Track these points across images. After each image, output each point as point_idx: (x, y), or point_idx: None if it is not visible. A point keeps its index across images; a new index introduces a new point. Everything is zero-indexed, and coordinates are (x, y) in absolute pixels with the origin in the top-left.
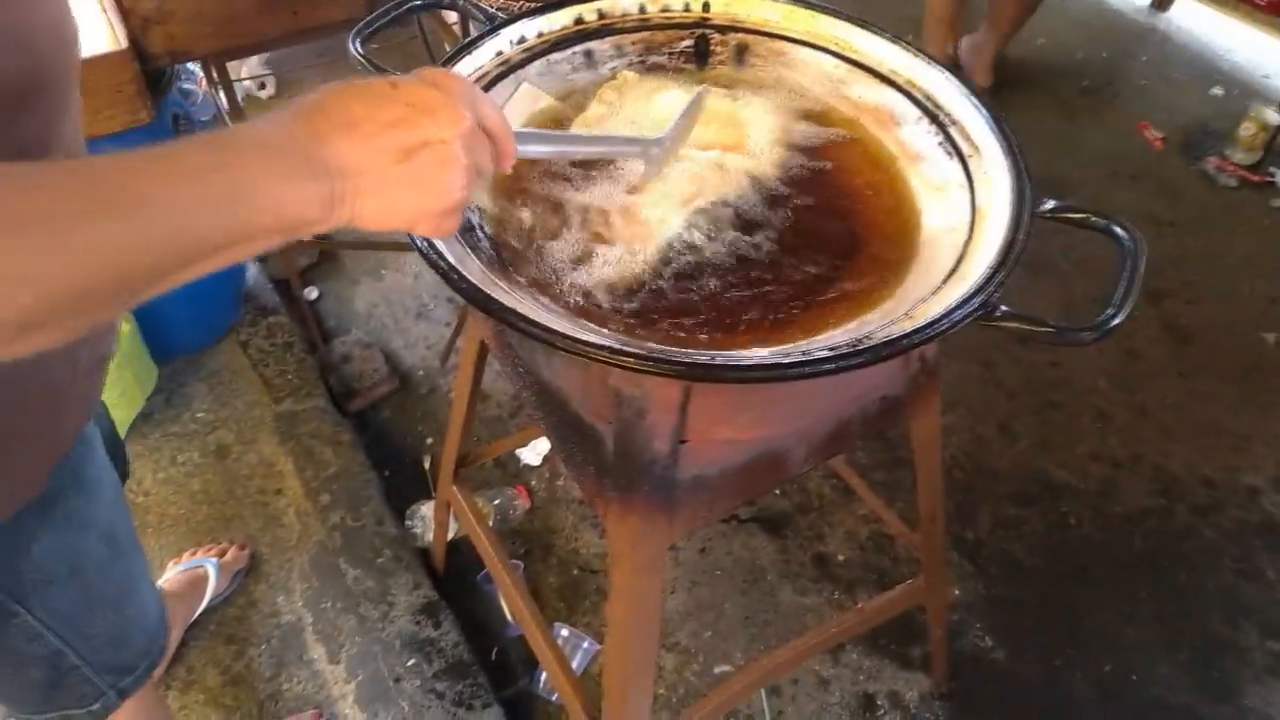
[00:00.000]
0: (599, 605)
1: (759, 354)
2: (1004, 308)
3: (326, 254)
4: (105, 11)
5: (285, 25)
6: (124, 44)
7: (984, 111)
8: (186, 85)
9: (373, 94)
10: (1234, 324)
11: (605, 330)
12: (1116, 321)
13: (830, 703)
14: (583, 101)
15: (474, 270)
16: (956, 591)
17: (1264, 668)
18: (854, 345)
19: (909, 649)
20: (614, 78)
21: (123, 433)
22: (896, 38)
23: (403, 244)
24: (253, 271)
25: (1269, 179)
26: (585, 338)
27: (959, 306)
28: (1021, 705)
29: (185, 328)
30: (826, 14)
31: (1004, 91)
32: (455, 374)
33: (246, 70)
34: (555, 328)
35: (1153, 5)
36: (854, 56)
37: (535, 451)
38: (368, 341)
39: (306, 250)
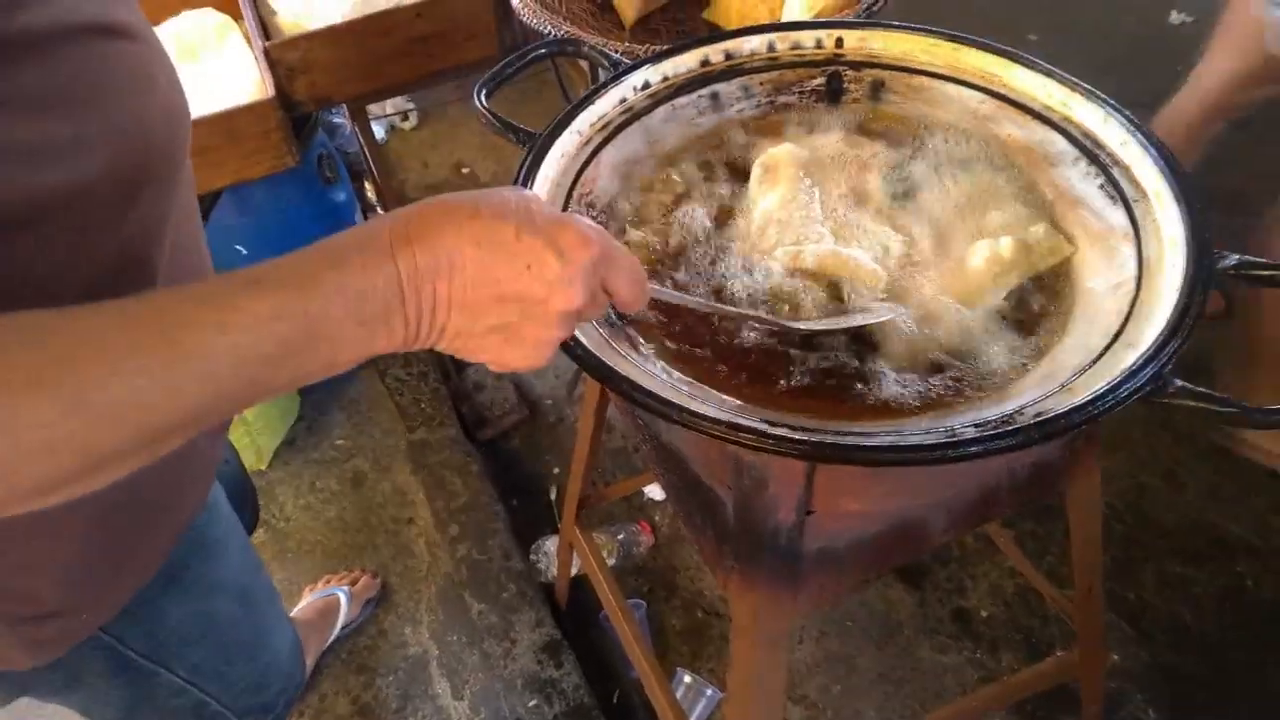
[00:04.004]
0: (724, 650)
1: (896, 430)
2: (1178, 382)
3: None
4: (257, 60)
5: (421, 69)
6: (270, 93)
7: (1154, 150)
8: (336, 119)
9: (487, 240)
10: None
11: (725, 396)
12: None
13: None
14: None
15: (591, 335)
16: (1115, 657)
17: None
18: (1004, 423)
19: (1060, 716)
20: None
21: (266, 461)
22: (1051, 70)
23: None
24: None
25: None
26: (702, 410)
27: (1125, 380)
28: None
29: None
30: (971, 46)
31: None
32: (582, 404)
33: (391, 105)
34: (671, 399)
35: None
36: (1002, 91)
37: (659, 487)
38: (499, 373)
39: None
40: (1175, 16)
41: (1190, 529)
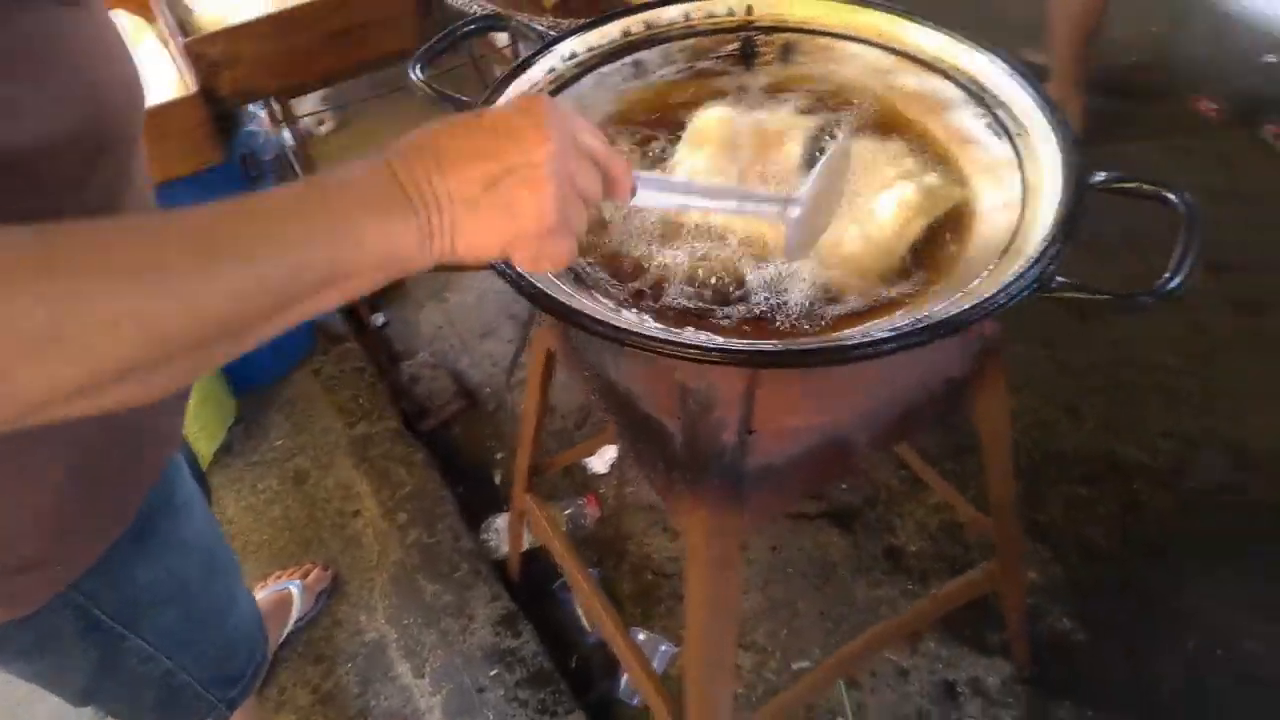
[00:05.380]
0: (674, 609)
1: (822, 340)
2: (1060, 279)
3: (389, 284)
4: (175, 59)
5: (345, 59)
6: (193, 89)
7: (1030, 89)
8: (251, 127)
9: (459, 127)
10: None
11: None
12: (1174, 284)
13: (910, 692)
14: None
15: (544, 280)
16: (1033, 575)
17: None
18: (914, 324)
19: (988, 635)
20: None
21: (204, 466)
22: (939, 25)
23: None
24: None
25: None
26: (652, 333)
27: (1016, 280)
28: (1105, 686)
29: (261, 360)
30: (870, 8)
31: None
32: (521, 390)
33: (306, 108)
34: (624, 325)
35: None
36: (898, 47)
37: (603, 460)
38: (435, 363)
39: None
40: None
41: (1091, 456)
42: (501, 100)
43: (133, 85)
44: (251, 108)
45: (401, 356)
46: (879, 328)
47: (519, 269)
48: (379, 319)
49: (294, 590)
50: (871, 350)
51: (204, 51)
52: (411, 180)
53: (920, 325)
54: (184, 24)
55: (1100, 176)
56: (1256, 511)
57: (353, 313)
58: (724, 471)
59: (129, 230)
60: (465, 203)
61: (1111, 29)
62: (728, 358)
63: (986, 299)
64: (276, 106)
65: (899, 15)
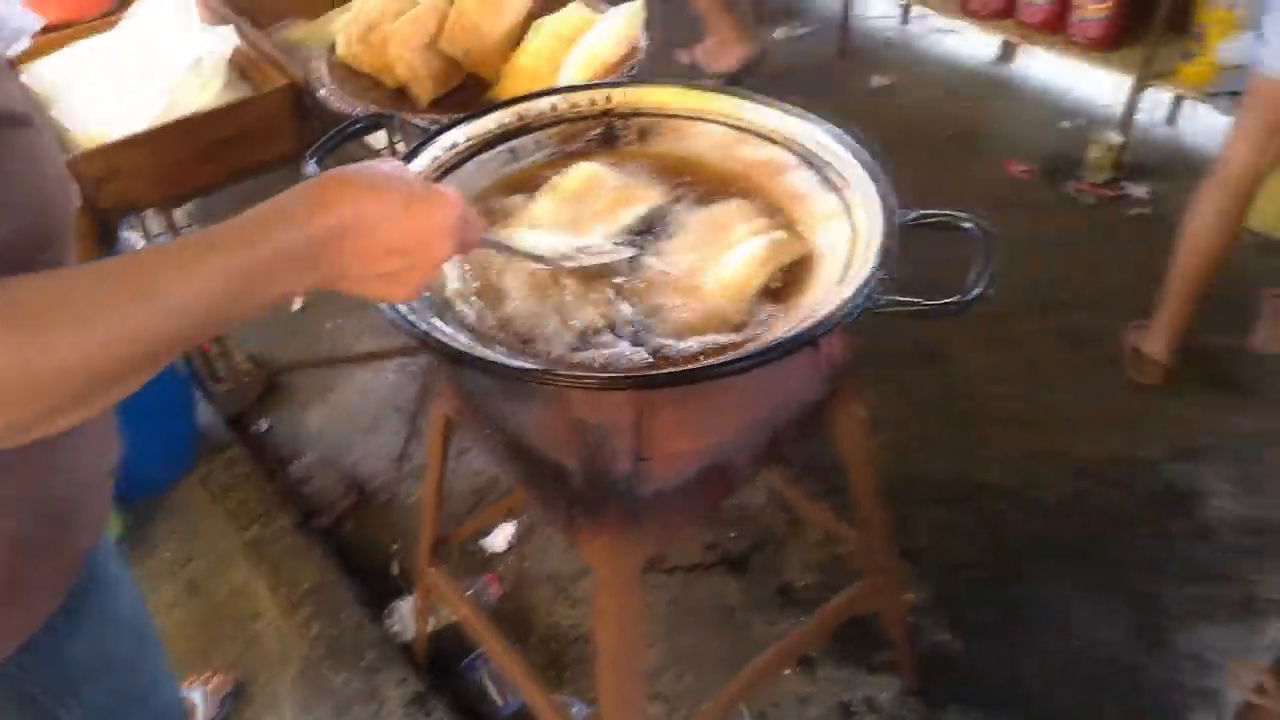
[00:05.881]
0: (583, 671)
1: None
2: (886, 298)
3: (274, 385)
4: None
5: (226, 168)
6: (77, 202)
7: (849, 149)
8: (131, 234)
9: (386, 214)
10: (1114, 318)
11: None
12: (975, 294)
13: (811, 716)
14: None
15: (443, 331)
16: (911, 596)
17: (1187, 614)
18: (765, 347)
19: (877, 656)
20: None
21: None
22: (772, 102)
23: (349, 358)
24: (206, 412)
25: (1121, 192)
26: (553, 369)
27: (849, 302)
28: (986, 689)
29: (143, 473)
30: (713, 91)
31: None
32: (412, 480)
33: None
34: (528, 365)
35: (999, 57)
36: (739, 122)
37: (501, 538)
38: (324, 461)
39: (254, 385)
40: (877, 82)
41: (947, 481)
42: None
43: (67, 190)
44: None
45: (289, 458)
46: (743, 352)
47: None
48: (263, 424)
49: (196, 699)
50: (740, 365)
51: (86, 169)
52: (329, 258)
53: (776, 343)
54: (62, 141)
55: (911, 215)
56: (1098, 517)
57: (236, 420)
58: (622, 499)
59: (75, 279)
60: (362, 280)
61: (928, 111)
62: (620, 383)
63: (824, 318)
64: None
65: (737, 96)
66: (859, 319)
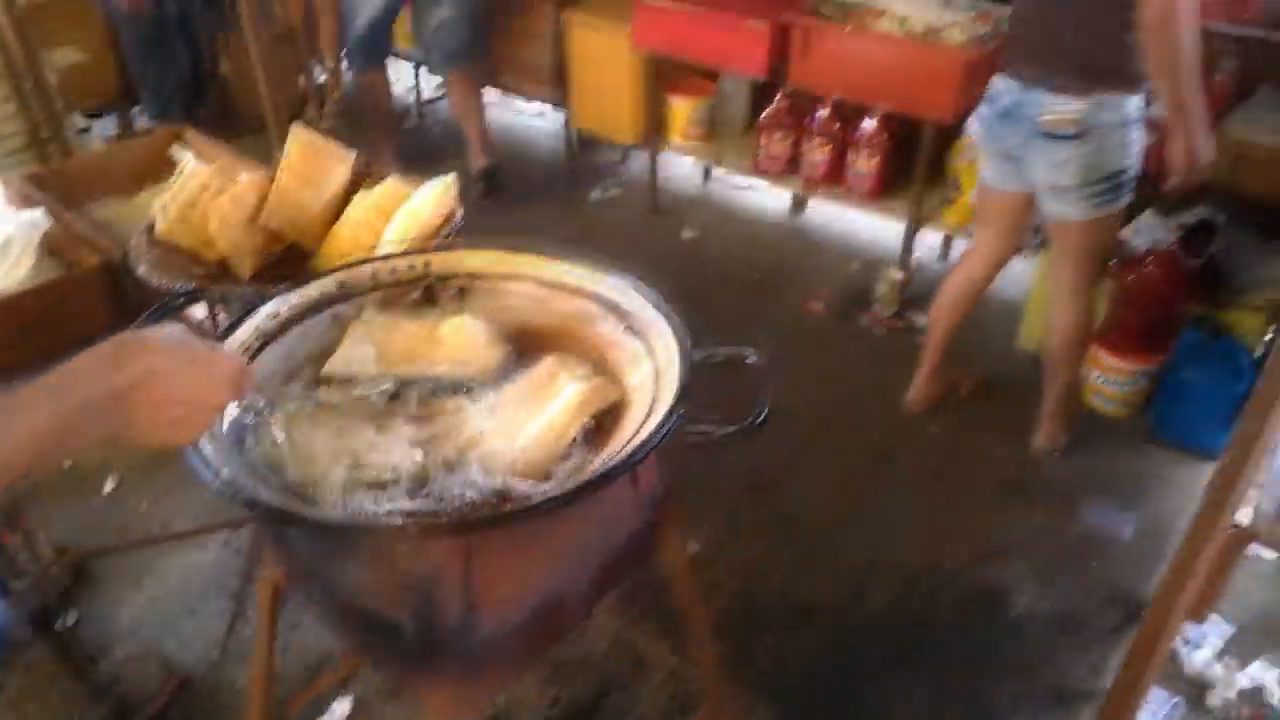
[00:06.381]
0: None
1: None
2: (690, 429)
3: (83, 573)
4: None
5: (36, 348)
6: None
7: (650, 301)
8: None
9: (176, 367)
10: (915, 434)
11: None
12: (761, 418)
13: None
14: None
15: (269, 496)
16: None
17: (1007, 709)
18: (578, 485)
19: None
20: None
21: None
22: (578, 260)
23: (166, 537)
24: (2, 612)
25: (907, 322)
26: (379, 522)
27: (652, 436)
28: None
29: None
30: (525, 253)
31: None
32: (240, 662)
33: None
34: (355, 522)
35: (792, 208)
36: (550, 281)
37: (338, 713)
38: (140, 652)
39: (60, 576)
40: (687, 235)
41: (785, 604)
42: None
43: None
44: None
45: (100, 654)
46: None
47: None
48: (70, 617)
49: None
50: (560, 501)
51: None
52: (123, 410)
53: (590, 479)
54: None
55: (701, 355)
56: (922, 622)
57: (40, 615)
58: (455, 650)
59: None
60: (150, 428)
61: (734, 259)
62: (434, 530)
63: (634, 450)
64: None
65: (547, 257)
66: (661, 451)
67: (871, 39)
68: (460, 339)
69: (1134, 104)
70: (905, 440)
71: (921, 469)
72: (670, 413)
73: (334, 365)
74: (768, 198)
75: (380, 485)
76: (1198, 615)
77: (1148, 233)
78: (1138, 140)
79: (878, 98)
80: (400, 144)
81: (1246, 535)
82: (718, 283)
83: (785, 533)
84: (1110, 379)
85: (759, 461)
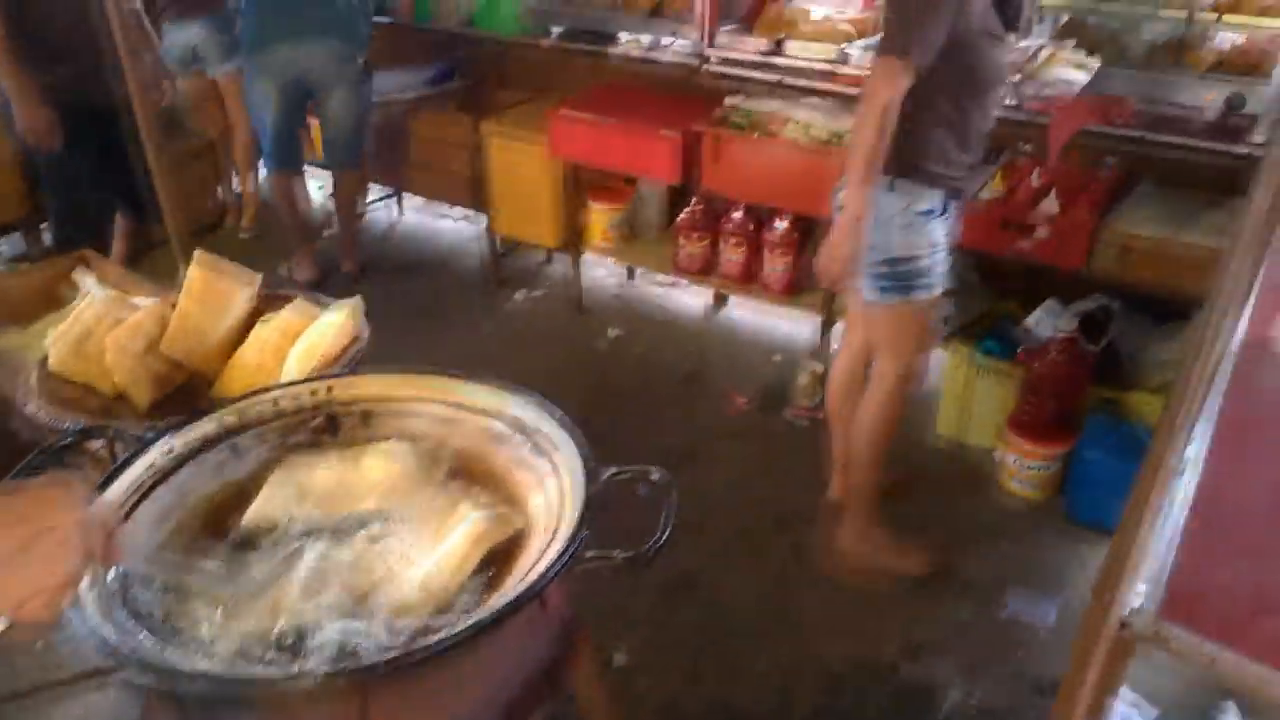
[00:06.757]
0: None
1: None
2: (588, 554)
3: None
4: None
5: None
6: None
7: (555, 421)
8: None
9: (8, 580)
10: (839, 529)
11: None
12: (661, 542)
13: None
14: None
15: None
16: None
17: None
18: (474, 624)
19: None
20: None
21: None
22: (481, 381)
23: (62, 681)
24: None
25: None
26: (271, 674)
27: (550, 567)
28: None
29: None
30: (428, 374)
31: (618, 400)
32: None
33: None
34: (249, 674)
35: (714, 305)
36: (457, 401)
37: None
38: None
39: None
40: (611, 337)
41: (711, 711)
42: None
43: None
44: None
45: None
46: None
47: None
48: None
49: None
50: (453, 641)
51: None
52: None
53: (490, 615)
54: None
55: (606, 474)
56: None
57: None
58: None
59: None
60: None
61: (658, 358)
62: (334, 680)
63: (534, 583)
64: None
65: (455, 378)
66: (560, 579)
67: (776, 146)
68: (384, 470)
69: (910, 195)
70: (829, 535)
71: (846, 564)
72: (568, 544)
73: (254, 515)
74: (690, 296)
75: (273, 638)
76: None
77: (1049, 321)
78: (923, 233)
79: (784, 201)
80: (318, 251)
81: (1131, 638)
82: (643, 383)
83: (712, 636)
84: (1025, 464)
85: (685, 564)
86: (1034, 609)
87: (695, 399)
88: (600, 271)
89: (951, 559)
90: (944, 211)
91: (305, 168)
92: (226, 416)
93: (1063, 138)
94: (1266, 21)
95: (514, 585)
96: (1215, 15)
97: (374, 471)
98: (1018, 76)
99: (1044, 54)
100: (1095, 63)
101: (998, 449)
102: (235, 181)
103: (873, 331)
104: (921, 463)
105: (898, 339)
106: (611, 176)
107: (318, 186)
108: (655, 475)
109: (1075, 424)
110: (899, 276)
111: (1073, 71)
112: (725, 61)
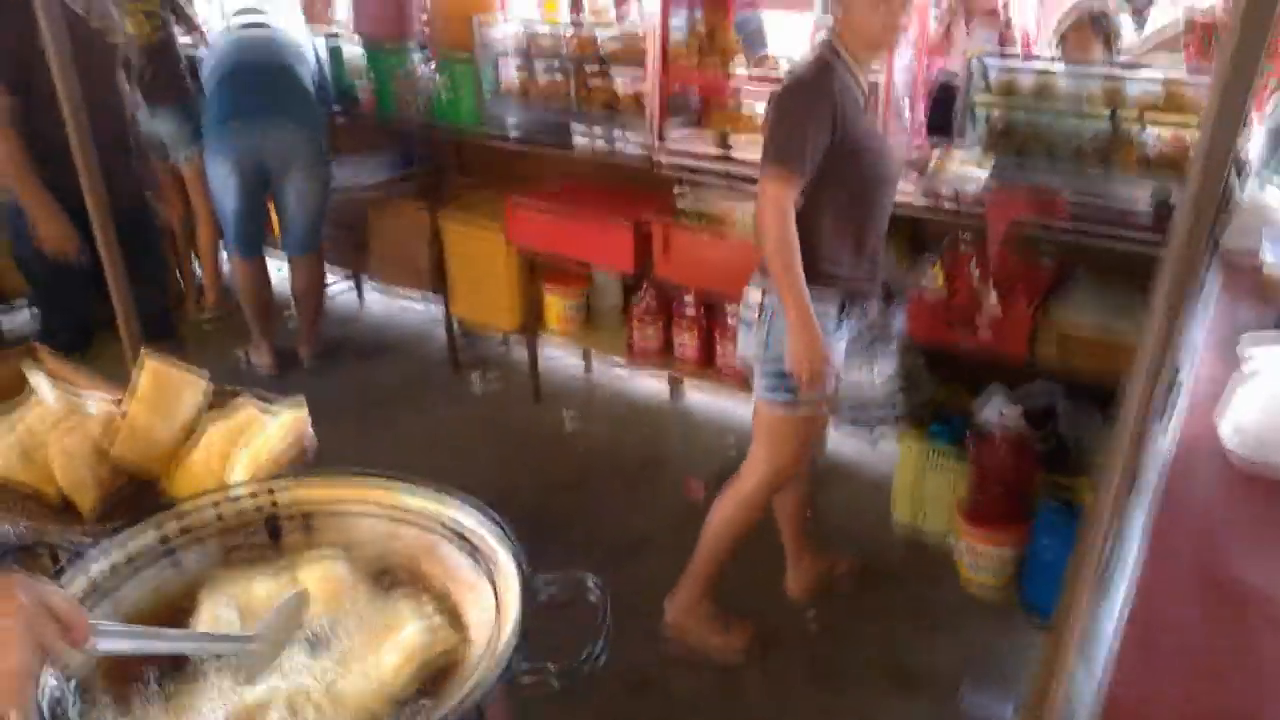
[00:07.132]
0: None
1: None
2: (524, 665)
3: None
4: None
5: None
6: None
7: (492, 528)
8: None
9: None
10: (797, 622)
11: None
12: (600, 654)
13: None
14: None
15: None
16: None
17: None
18: None
19: None
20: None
21: None
22: (423, 488)
23: None
24: None
25: None
26: None
27: (490, 677)
28: None
29: None
30: (370, 477)
31: (575, 489)
32: None
33: None
34: None
35: (670, 391)
36: (396, 506)
37: None
38: None
39: None
40: (569, 422)
41: None
42: None
43: None
44: None
45: None
46: None
47: None
48: None
49: None
50: None
51: None
52: None
53: None
54: None
55: (543, 579)
56: None
57: None
58: None
59: None
60: None
61: (615, 445)
62: None
63: (465, 695)
64: None
65: (396, 482)
66: (499, 693)
67: (723, 238)
68: (324, 587)
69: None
70: (788, 629)
71: (804, 659)
72: (503, 661)
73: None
74: (648, 380)
75: None
76: None
77: (995, 412)
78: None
79: (732, 289)
80: (278, 336)
81: None
82: (600, 471)
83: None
84: (979, 552)
85: (641, 659)
86: (992, 705)
87: (652, 485)
88: (560, 355)
89: (910, 653)
90: (840, 323)
91: (267, 253)
92: (168, 523)
93: (1000, 227)
94: (1190, 120)
95: (444, 707)
96: (1138, 115)
97: (311, 584)
98: (916, 175)
99: (935, 155)
100: (991, 160)
101: (951, 536)
102: (197, 267)
103: (756, 429)
104: (880, 550)
105: (776, 444)
106: (568, 262)
107: (278, 270)
108: (590, 583)
109: (1028, 511)
110: (790, 386)
111: (974, 169)
112: (676, 154)
